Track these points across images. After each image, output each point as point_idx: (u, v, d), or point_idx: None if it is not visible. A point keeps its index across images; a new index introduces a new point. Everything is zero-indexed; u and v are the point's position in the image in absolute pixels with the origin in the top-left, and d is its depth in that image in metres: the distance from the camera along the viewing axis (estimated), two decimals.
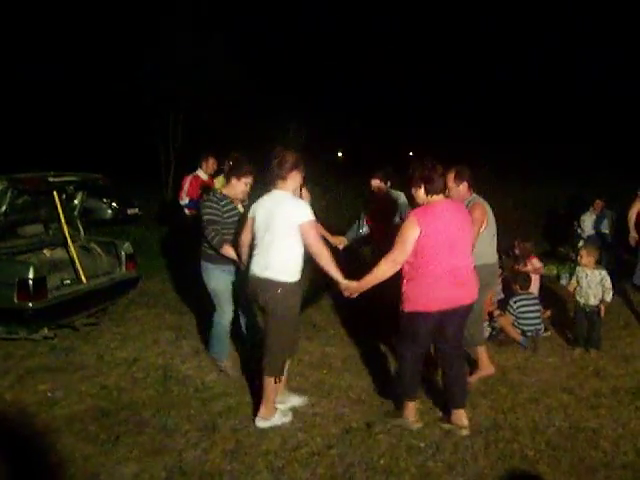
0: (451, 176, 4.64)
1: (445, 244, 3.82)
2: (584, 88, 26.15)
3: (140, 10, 16.05)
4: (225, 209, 4.76)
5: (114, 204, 13.45)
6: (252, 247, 4.16)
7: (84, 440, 3.91)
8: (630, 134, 23.32)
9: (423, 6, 28.65)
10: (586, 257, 5.78)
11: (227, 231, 4.73)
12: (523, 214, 13.33)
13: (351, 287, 4.02)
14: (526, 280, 6.32)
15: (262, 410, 4.13)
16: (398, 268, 3.88)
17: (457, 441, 3.94)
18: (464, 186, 4.73)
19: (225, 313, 4.92)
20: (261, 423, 4.11)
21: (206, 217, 4.70)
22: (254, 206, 4.14)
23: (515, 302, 6.05)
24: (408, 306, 3.92)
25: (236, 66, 17.05)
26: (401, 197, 5.95)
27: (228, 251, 4.57)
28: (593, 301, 5.70)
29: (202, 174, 7.47)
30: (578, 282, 5.77)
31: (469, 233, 4.04)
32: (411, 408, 4.15)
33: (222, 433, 4.03)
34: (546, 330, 6.15)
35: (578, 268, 5.82)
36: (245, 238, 4.28)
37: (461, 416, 4.10)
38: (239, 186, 4.78)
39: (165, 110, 17.02)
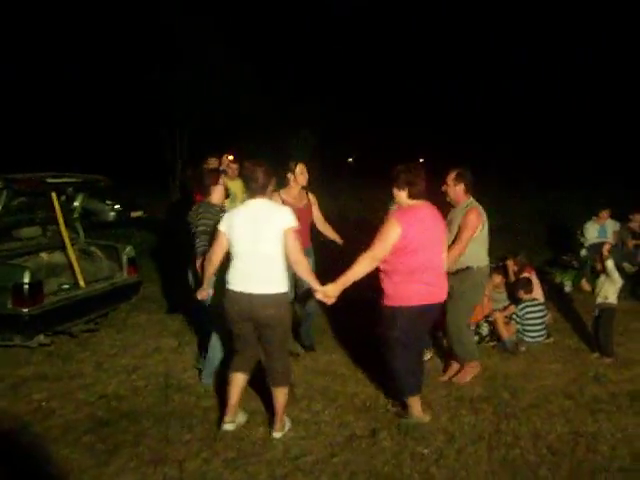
0: (452, 175, 4.92)
1: (422, 245, 4.00)
2: (595, 99, 26.05)
3: (153, 20, 16.17)
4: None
5: (117, 206, 13.35)
6: (229, 261, 3.97)
7: (80, 451, 3.82)
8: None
9: (439, 8, 28.41)
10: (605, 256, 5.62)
11: None
12: (523, 222, 13.33)
13: (329, 291, 4.01)
14: (529, 284, 6.20)
15: (280, 422, 4.05)
16: (375, 265, 4.02)
17: (460, 447, 3.95)
18: (461, 188, 4.88)
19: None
20: (278, 434, 4.02)
21: (201, 228, 4.57)
22: (227, 219, 3.96)
23: (521, 310, 5.99)
24: (387, 301, 4.10)
25: (245, 71, 17.15)
26: None
27: (200, 266, 4.47)
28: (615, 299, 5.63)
29: None
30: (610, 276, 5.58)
31: (443, 237, 4.24)
32: (416, 403, 4.21)
33: (224, 442, 3.95)
34: (549, 336, 6.07)
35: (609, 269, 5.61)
36: (218, 255, 4.02)
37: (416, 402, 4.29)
38: (219, 190, 4.78)
39: (173, 114, 17.07)
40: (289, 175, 5.45)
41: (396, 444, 3.94)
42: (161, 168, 18.24)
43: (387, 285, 4.08)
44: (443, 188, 4.93)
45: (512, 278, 6.67)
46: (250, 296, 3.83)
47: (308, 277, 4.00)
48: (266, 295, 3.82)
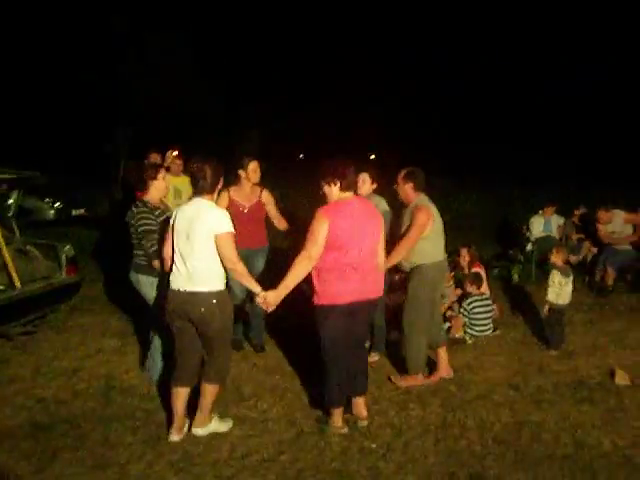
0: (401, 174, 4.88)
1: (352, 240, 3.88)
2: (543, 91, 26.68)
3: (95, 17, 15.74)
4: (160, 219, 4.48)
5: (57, 204, 12.88)
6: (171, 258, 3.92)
7: (17, 457, 3.69)
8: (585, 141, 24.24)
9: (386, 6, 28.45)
10: (555, 256, 5.80)
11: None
12: (470, 217, 13.60)
13: (269, 298, 3.92)
14: (480, 279, 6.30)
15: (202, 416, 4.00)
16: (313, 265, 3.89)
17: (407, 440, 4.00)
18: (410, 186, 4.85)
19: None
20: (199, 430, 3.99)
21: (143, 228, 4.42)
22: (174, 214, 3.93)
23: (469, 304, 6.08)
24: (318, 299, 3.96)
25: (189, 67, 16.92)
26: (382, 203, 5.21)
27: (156, 264, 4.36)
28: (566, 300, 5.74)
29: None
30: (553, 282, 5.69)
31: (377, 232, 4.06)
32: (336, 415, 4.10)
33: (168, 444, 3.87)
34: (495, 329, 6.19)
35: (554, 270, 5.75)
36: (168, 249, 3.95)
37: (361, 405, 4.23)
38: (157, 186, 4.61)
39: (115, 109, 16.67)
40: (240, 172, 5.32)
41: (344, 440, 3.95)
42: (103, 165, 17.74)
43: (318, 283, 3.94)
44: (394, 187, 4.93)
45: (466, 270, 6.76)
46: (183, 294, 3.79)
47: (246, 282, 3.91)
48: (197, 292, 3.77)
